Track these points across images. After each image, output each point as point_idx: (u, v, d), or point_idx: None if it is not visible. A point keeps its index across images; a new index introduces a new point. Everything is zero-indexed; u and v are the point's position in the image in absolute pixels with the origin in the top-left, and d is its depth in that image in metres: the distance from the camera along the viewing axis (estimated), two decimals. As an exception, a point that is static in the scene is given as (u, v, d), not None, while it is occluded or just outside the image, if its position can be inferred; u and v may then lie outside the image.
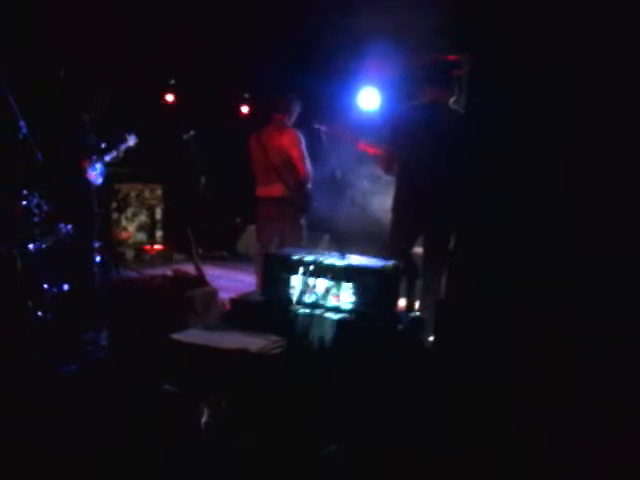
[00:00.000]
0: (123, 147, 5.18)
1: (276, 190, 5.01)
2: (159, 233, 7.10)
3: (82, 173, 4.79)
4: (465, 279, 3.34)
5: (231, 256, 7.08)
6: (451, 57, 4.62)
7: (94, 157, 4.89)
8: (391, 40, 5.20)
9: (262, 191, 5.11)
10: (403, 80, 5.78)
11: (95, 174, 4.88)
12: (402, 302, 4.20)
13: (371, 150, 5.25)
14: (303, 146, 5.00)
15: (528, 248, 3.00)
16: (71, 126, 4.84)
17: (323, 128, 5.37)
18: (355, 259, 3.72)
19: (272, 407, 2.91)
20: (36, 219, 4.00)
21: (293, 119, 5.09)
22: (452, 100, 4.27)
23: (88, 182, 4.82)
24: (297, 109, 5.10)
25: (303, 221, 5.13)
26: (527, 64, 2.99)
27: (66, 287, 4.07)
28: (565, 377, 2.78)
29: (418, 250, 4.52)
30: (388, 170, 4.54)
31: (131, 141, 5.23)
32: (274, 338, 3.17)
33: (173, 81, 6.82)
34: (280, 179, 4.97)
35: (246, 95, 7.03)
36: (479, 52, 3.35)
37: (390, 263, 3.72)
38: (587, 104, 2.88)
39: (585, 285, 2.84)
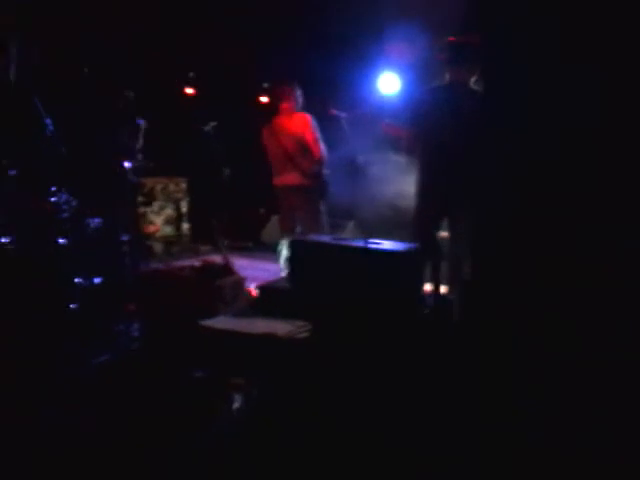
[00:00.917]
0: (141, 135, 5.24)
1: (293, 178, 5.05)
2: (185, 226, 7.19)
3: (112, 169, 4.87)
4: (490, 260, 3.32)
5: (256, 246, 7.14)
6: (470, 37, 4.58)
7: (126, 153, 4.97)
8: (411, 23, 5.18)
9: (279, 180, 5.14)
10: (423, 63, 5.75)
11: (129, 169, 4.96)
12: (428, 286, 4.21)
13: (394, 131, 5.24)
14: (315, 128, 5.01)
15: (553, 230, 2.97)
16: (99, 122, 4.93)
17: (342, 114, 5.37)
18: (379, 244, 3.73)
19: (300, 391, 2.95)
20: (66, 215, 4.09)
21: (300, 104, 5.10)
22: (473, 80, 4.24)
23: (118, 177, 4.90)
24: (300, 93, 5.11)
25: (322, 207, 5.15)
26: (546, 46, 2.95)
27: (97, 280, 4.15)
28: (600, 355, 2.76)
29: (444, 234, 4.52)
30: (411, 151, 4.53)
31: (142, 126, 5.29)
32: (300, 323, 3.21)
33: (192, 74, 6.86)
34: (296, 167, 5.00)
35: (265, 84, 7.05)
36: (496, 30, 3.31)
37: (414, 246, 3.73)
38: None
39: (616, 265, 2.80)
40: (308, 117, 5.01)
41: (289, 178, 5.07)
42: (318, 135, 5.01)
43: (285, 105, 5.07)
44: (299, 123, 4.99)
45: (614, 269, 2.77)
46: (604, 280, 2.82)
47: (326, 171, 5.15)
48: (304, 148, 4.99)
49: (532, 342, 2.86)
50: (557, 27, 2.95)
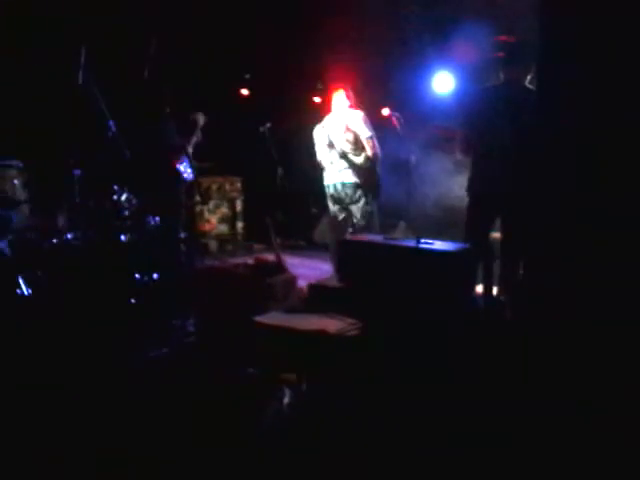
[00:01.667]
0: (198, 131, 5.39)
1: (345, 176, 5.08)
2: (240, 224, 7.34)
3: (170, 168, 5.03)
4: (544, 263, 3.28)
5: (308, 245, 7.21)
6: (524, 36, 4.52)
7: (181, 152, 5.13)
8: (476, 23, 5.14)
9: (332, 178, 5.18)
10: (481, 63, 5.68)
11: (185, 169, 5.12)
12: (480, 287, 4.18)
13: (445, 133, 5.22)
14: (369, 126, 5.03)
15: (606, 234, 2.92)
16: (157, 123, 5.10)
17: (396, 114, 5.38)
18: (430, 244, 3.73)
19: (350, 388, 2.99)
20: (126, 213, 4.27)
21: (352, 102, 5.13)
22: (529, 79, 4.18)
23: (176, 176, 5.06)
24: (352, 93, 5.15)
25: (374, 206, 5.17)
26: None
27: (156, 276, 4.30)
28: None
29: (496, 234, 4.47)
30: (465, 152, 4.50)
31: (201, 120, 5.43)
32: (351, 320, 3.25)
33: (248, 75, 6.99)
34: (349, 165, 5.04)
35: (319, 85, 7.11)
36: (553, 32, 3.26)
37: (465, 247, 3.71)
38: None
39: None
40: (362, 114, 5.04)
41: (342, 176, 5.10)
42: (372, 132, 5.04)
43: (339, 102, 5.11)
44: (353, 120, 5.03)
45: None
46: None
47: (379, 169, 5.16)
48: (358, 146, 5.03)
49: (581, 346, 2.81)
50: (613, 28, 2.89)
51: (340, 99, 5.11)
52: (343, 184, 5.11)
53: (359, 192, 5.08)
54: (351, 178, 5.08)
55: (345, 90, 5.12)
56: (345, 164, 5.07)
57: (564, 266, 2.97)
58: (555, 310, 2.94)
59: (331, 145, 5.10)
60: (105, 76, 4.46)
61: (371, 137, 5.01)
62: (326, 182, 5.24)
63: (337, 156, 5.08)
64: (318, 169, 5.34)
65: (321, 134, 5.17)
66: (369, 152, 5.02)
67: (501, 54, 4.40)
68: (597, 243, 2.96)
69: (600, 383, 2.69)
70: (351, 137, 5.04)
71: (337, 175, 5.14)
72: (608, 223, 2.94)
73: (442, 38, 5.68)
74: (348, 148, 5.04)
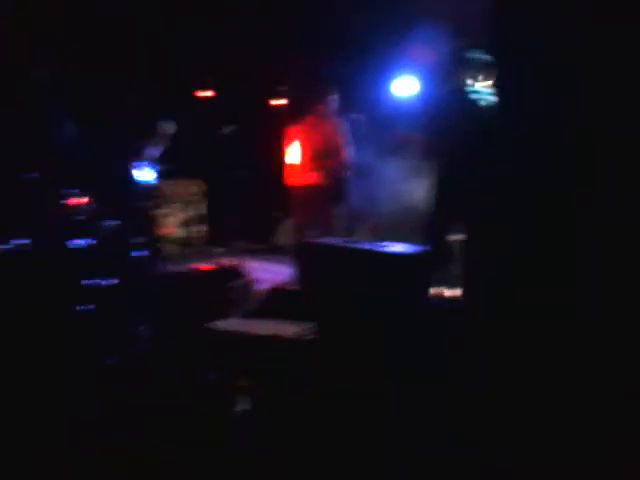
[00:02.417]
0: (164, 139, 5.32)
1: (315, 178, 5.07)
2: (200, 228, 7.25)
3: (128, 171, 4.95)
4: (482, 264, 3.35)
5: (269, 249, 7.17)
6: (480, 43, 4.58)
7: (140, 156, 5.05)
8: (435, 26, 5.19)
9: (300, 180, 5.17)
10: (441, 66, 5.74)
11: (145, 172, 5.04)
12: (438, 289, 4.21)
13: (408, 139, 5.27)
14: (347, 134, 5.06)
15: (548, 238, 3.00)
16: (115, 126, 5.01)
17: (359, 117, 5.39)
18: (389, 247, 3.74)
19: (305, 391, 2.97)
20: (82, 217, 4.17)
21: (333, 109, 5.15)
22: (487, 84, 4.24)
23: (134, 180, 4.98)
24: (335, 98, 5.16)
25: (341, 210, 5.17)
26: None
27: (112, 281, 4.21)
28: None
29: (455, 237, 4.51)
30: (426, 156, 4.54)
31: (170, 129, 5.37)
32: (309, 325, 3.24)
33: (210, 77, 6.93)
34: (319, 168, 5.04)
35: (282, 88, 7.09)
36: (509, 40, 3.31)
37: (424, 250, 3.73)
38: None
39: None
40: (341, 122, 5.06)
41: (312, 178, 5.10)
42: (347, 141, 5.06)
43: (320, 107, 5.11)
44: (332, 127, 5.05)
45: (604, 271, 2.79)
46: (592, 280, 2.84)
47: (347, 174, 5.18)
48: (331, 152, 5.04)
49: (530, 343, 2.87)
50: (573, 41, 2.95)
51: (323, 103, 5.11)
52: (312, 187, 5.10)
53: (327, 195, 5.08)
54: (320, 180, 5.08)
55: (328, 95, 5.13)
56: (316, 166, 5.07)
57: (513, 266, 3.02)
58: (502, 311, 2.99)
59: (307, 147, 5.09)
60: (60, 77, 4.37)
61: (347, 146, 5.04)
62: (294, 182, 5.21)
63: (311, 158, 5.08)
64: (282, 173, 5.32)
65: (297, 134, 5.15)
66: (342, 160, 5.04)
67: (458, 60, 4.46)
68: (545, 242, 3.02)
69: (551, 376, 2.75)
70: (326, 144, 5.04)
71: (307, 176, 5.13)
72: (566, 221, 3.00)
73: (402, 41, 5.72)
74: (323, 152, 5.05)
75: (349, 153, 5.07)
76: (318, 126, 5.08)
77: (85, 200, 4.24)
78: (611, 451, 2.49)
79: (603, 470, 2.46)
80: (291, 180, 5.21)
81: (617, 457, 2.48)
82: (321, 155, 5.04)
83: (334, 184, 5.09)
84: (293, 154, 5.18)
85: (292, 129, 5.19)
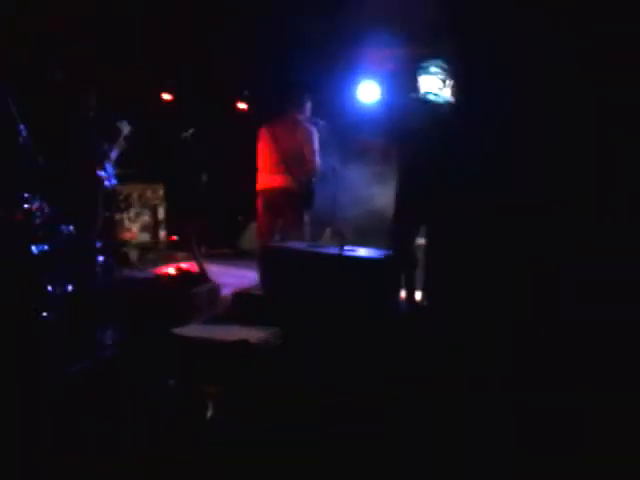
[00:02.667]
0: (121, 140, 5.22)
1: (282, 181, 5.05)
2: (162, 232, 7.15)
3: (87, 175, 4.84)
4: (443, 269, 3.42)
5: (233, 253, 7.11)
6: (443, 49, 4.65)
7: (101, 158, 4.94)
8: (390, 32, 5.23)
9: (267, 182, 5.12)
10: (401, 72, 5.79)
11: (106, 175, 4.93)
12: (403, 293, 4.24)
13: (368, 145, 5.31)
14: (316, 141, 5.06)
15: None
16: (73, 128, 4.90)
17: (321, 122, 5.40)
18: (354, 251, 3.76)
19: (273, 396, 2.95)
20: (38, 221, 4.05)
21: (306, 114, 5.15)
22: (445, 91, 4.30)
23: (94, 183, 4.87)
24: (309, 105, 5.17)
25: (306, 216, 5.16)
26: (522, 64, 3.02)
27: (70, 288, 4.11)
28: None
29: (420, 241, 4.55)
30: (387, 161, 4.58)
31: (125, 129, 5.26)
32: (274, 329, 3.22)
33: (170, 80, 6.85)
34: (287, 172, 5.01)
35: (245, 92, 7.06)
36: (473, 48, 3.39)
37: (389, 254, 3.76)
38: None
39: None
40: (312, 129, 5.06)
41: (279, 181, 5.06)
42: (317, 148, 5.06)
43: (291, 112, 5.10)
44: (302, 134, 5.04)
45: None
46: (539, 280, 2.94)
47: (314, 180, 5.17)
48: (300, 158, 5.03)
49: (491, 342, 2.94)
50: (531, 38, 3.03)
51: (294, 109, 5.10)
52: (278, 189, 5.07)
53: (293, 199, 5.06)
54: (287, 184, 5.05)
55: (301, 101, 5.12)
56: (284, 170, 5.04)
57: (476, 273, 3.09)
58: (464, 313, 3.06)
59: (275, 150, 5.05)
60: (17, 79, 4.24)
61: (315, 153, 5.04)
62: (261, 186, 5.17)
63: (278, 162, 5.04)
64: (246, 176, 5.28)
65: (266, 137, 5.11)
66: (310, 166, 5.04)
67: (418, 66, 4.52)
68: (504, 252, 3.11)
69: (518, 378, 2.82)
70: (295, 150, 5.02)
71: (274, 180, 5.09)
72: (526, 228, 3.08)
73: (362, 47, 5.76)
74: (291, 158, 5.02)
75: (318, 159, 5.07)
76: (289, 131, 5.07)
77: (43, 204, 4.12)
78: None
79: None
80: (259, 184, 5.18)
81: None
82: (290, 160, 5.02)
83: (302, 189, 5.07)
84: (262, 158, 5.15)
85: (262, 133, 5.16)
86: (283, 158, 5.00)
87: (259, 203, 5.17)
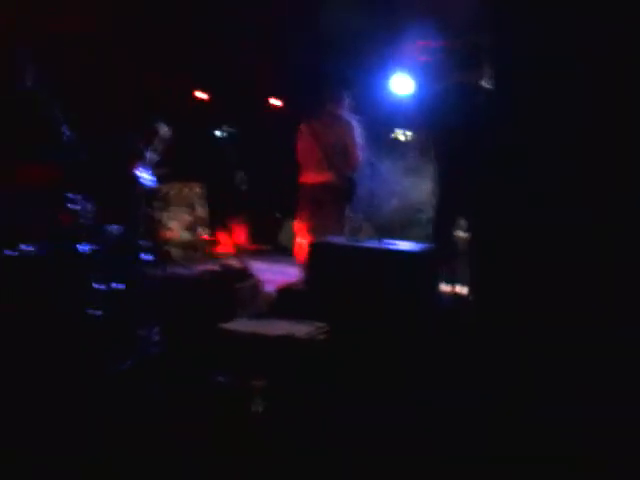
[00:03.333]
0: (159, 140, 5.30)
1: (325, 176, 5.06)
2: (202, 230, 7.23)
3: (130, 175, 4.92)
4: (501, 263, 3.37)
5: (273, 249, 7.16)
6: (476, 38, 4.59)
7: (142, 159, 5.02)
8: (426, 23, 5.19)
9: (310, 178, 5.15)
10: (437, 63, 5.74)
11: (146, 176, 5.02)
12: (445, 286, 4.21)
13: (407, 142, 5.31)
14: (359, 136, 5.07)
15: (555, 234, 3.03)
16: (115, 130, 4.99)
17: (356, 117, 5.39)
18: (395, 245, 3.75)
19: (319, 391, 2.96)
20: (85, 222, 4.15)
21: (345, 109, 5.16)
22: (483, 81, 4.24)
23: (136, 184, 4.95)
24: (347, 100, 5.17)
25: (347, 210, 5.17)
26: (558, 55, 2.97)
27: (117, 286, 4.19)
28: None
29: (461, 234, 4.51)
30: (422, 154, 4.55)
31: (162, 130, 5.35)
32: (319, 324, 3.23)
33: (205, 78, 6.92)
34: (330, 167, 5.03)
35: (282, 87, 7.09)
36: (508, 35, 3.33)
37: (429, 247, 3.73)
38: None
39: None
40: (354, 124, 5.07)
41: (322, 176, 5.08)
42: (359, 142, 5.07)
43: (330, 107, 5.11)
44: (345, 128, 5.05)
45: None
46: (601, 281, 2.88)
47: (355, 176, 5.18)
48: (343, 153, 5.05)
49: (537, 338, 2.89)
50: (567, 30, 2.97)
51: (336, 104, 5.11)
52: (322, 184, 5.09)
53: (336, 194, 5.08)
54: (331, 179, 5.07)
55: (342, 96, 5.13)
56: (327, 166, 5.06)
57: (520, 266, 3.04)
58: (512, 309, 3.02)
59: (319, 146, 5.08)
60: (59, 80, 4.34)
61: (358, 148, 5.05)
62: (304, 180, 5.19)
63: (322, 157, 5.06)
64: (284, 173, 5.31)
65: (309, 133, 5.14)
66: (353, 161, 5.05)
67: (455, 57, 4.47)
68: (552, 242, 3.05)
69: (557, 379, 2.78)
70: (338, 145, 5.04)
71: (317, 175, 5.11)
72: (562, 224, 3.03)
73: (398, 39, 5.72)
74: (334, 153, 5.04)
75: (360, 153, 5.08)
76: (329, 126, 5.09)
77: (88, 205, 4.21)
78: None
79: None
80: (302, 179, 5.20)
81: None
82: (333, 155, 5.03)
83: (344, 183, 5.08)
84: (304, 154, 5.17)
85: (303, 129, 5.18)
86: (326, 153, 5.01)
87: (302, 198, 5.20)
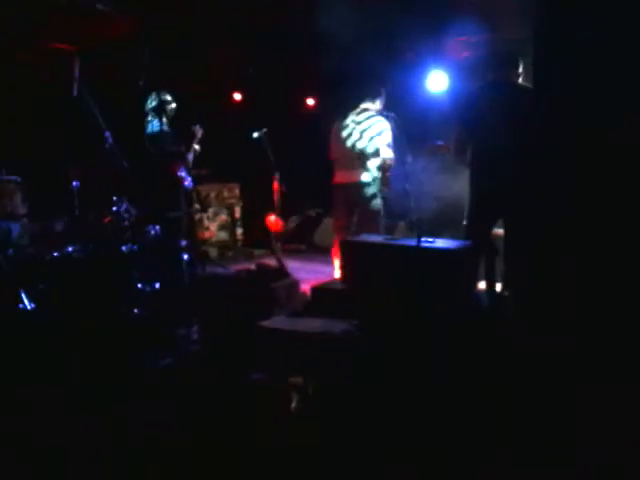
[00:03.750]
0: (195, 142, 5.42)
1: (359, 176, 5.07)
2: (239, 230, 7.34)
3: (170, 176, 5.03)
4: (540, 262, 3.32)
5: (308, 248, 7.22)
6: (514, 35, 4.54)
7: (181, 161, 5.13)
8: (468, 20, 5.16)
9: (344, 177, 5.16)
10: (474, 61, 5.69)
11: (186, 177, 5.13)
12: (483, 284, 4.18)
13: (444, 149, 5.27)
14: (391, 135, 5.05)
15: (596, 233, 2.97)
16: (155, 133, 5.11)
17: (391, 114, 5.39)
18: (432, 243, 3.74)
19: (356, 389, 2.98)
20: (126, 223, 4.27)
21: (380, 107, 5.16)
22: (520, 79, 4.20)
23: (177, 186, 5.06)
24: (383, 98, 5.17)
25: (381, 209, 5.16)
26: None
27: (158, 285, 4.30)
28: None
29: (498, 231, 4.48)
30: (460, 151, 4.50)
31: (198, 133, 5.46)
32: (355, 322, 3.25)
33: (241, 79, 7.01)
34: (365, 166, 5.04)
35: (315, 86, 7.12)
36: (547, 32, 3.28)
37: (467, 244, 3.71)
38: None
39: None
40: (386, 123, 5.06)
41: (357, 175, 5.09)
42: (392, 141, 5.06)
43: (365, 105, 5.14)
44: (377, 127, 5.05)
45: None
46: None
47: (388, 173, 5.17)
48: (376, 150, 5.05)
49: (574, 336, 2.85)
50: (606, 30, 2.92)
51: (369, 101, 5.13)
52: (357, 183, 5.10)
53: (370, 192, 5.08)
54: (365, 178, 5.09)
55: (376, 94, 5.15)
56: (360, 164, 5.07)
57: (562, 264, 3.00)
58: (551, 308, 2.97)
59: (350, 144, 5.10)
60: (101, 86, 4.47)
61: (390, 146, 5.04)
62: (337, 180, 5.21)
63: (355, 155, 5.08)
64: (318, 172, 5.33)
65: (344, 132, 5.16)
66: (383, 157, 5.05)
67: (493, 54, 4.43)
68: (594, 242, 2.99)
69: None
70: (371, 143, 5.05)
71: (351, 174, 5.12)
72: (605, 222, 2.97)
73: (434, 36, 5.69)
74: (366, 152, 5.05)
75: (392, 154, 5.07)
76: (363, 124, 5.09)
77: (130, 207, 4.34)
78: None
79: None
80: (336, 179, 5.22)
81: None
82: (364, 154, 5.05)
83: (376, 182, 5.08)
84: (337, 153, 5.18)
85: (336, 128, 5.19)
86: (358, 152, 5.03)
87: (336, 197, 5.21)
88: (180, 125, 5.36)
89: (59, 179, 4.38)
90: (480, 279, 4.09)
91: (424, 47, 5.71)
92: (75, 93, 4.27)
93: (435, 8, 5.24)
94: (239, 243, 7.29)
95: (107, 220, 4.28)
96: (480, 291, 4.00)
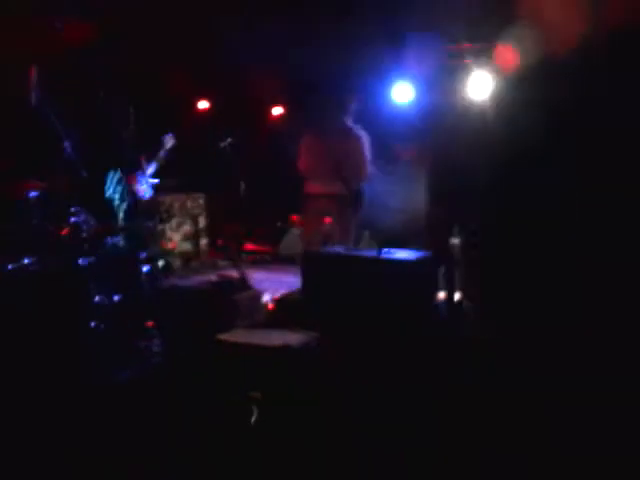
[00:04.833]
0: (162, 153, 5.35)
1: (335, 187, 5.06)
2: (203, 241, 7.28)
3: (129, 188, 4.97)
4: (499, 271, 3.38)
5: (274, 259, 7.19)
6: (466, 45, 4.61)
7: (138, 172, 5.07)
8: (430, 32, 5.21)
9: (316, 189, 5.16)
10: (438, 72, 5.75)
11: (143, 188, 5.06)
12: (442, 293, 4.23)
13: (405, 151, 5.32)
14: (367, 147, 5.06)
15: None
16: (112, 143, 5.04)
17: (361, 128, 5.42)
18: (392, 253, 3.77)
19: (316, 400, 2.98)
20: (84, 235, 4.19)
21: (352, 118, 5.16)
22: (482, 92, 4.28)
23: (134, 196, 5.00)
24: (355, 108, 5.17)
25: (353, 219, 5.17)
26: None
27: (117, 298, 4.23)
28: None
29: (456, 240, 4.54)
30: (420, 162, 4.57)
31: (168, 143, 5.39)
32: (315, 334, 3.25)
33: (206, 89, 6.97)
34: (340, 178, 5.02)
35: (279, 96, 7.12)
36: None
37: (426, 255, 3.75)
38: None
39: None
40: (363, 135, 5.05)
41: (331, 187, 5.08)
42: (368, 153, 5.07)
43: (338, 116, 5.11)
44: (353, 140, 5.04)
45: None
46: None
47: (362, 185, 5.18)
48: (353, 164, 5.04)
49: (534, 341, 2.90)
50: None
51: (344, 115, 5.12)
52: (331, 194, 5.09)
53: (344, 205, 5.08)
54: (339, 190, 5.07)
55: (342, 107, 5.14)
56: (334, 176, 5.05)
57: (519, 271, 3.05)
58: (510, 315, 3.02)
59: (328, 156, 5.08)
60: (59, 95, 4.40)
61: (367, 161, 5.05)
62: (310, 190, 5.20)
63: (331, 167, 5.06)
64: (285, 183, 5.32)
65: (317, 143, 5.14)
66: (362, 173, 5.05)
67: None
68: (555, 250, 3.06)
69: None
70: (346, 156, 5.05)
71: (326, 185, 5.11)
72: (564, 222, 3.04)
73: (398, 47, 5.74)
74: (340, 164, 5.04)
75: (369, 166, 5.08)
76: (342, 137, 5.08)
77: (88, 218, 4.26)
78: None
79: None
80: (309, 190, 5.20)
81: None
82: (343, 166, 5.02)
83: (352, 195, 5.08)
84: (311, 164, 5.17)
85: (310, 139, 5.18)
86: (336, 165, 4.99)
87: (309, 208, 5.19)
88: (145, 134, 5.29)
89: (16, 189, 4.29)
90: (440, 289, 4.13)
91: (389, 59, 5.75)
92: (33, 102, 4.20)
93: (398, 20, 5.28)
94: (203, 254, 7.23)
95: (65, 232, 4.20)
96: (440, 301, 4.04)
